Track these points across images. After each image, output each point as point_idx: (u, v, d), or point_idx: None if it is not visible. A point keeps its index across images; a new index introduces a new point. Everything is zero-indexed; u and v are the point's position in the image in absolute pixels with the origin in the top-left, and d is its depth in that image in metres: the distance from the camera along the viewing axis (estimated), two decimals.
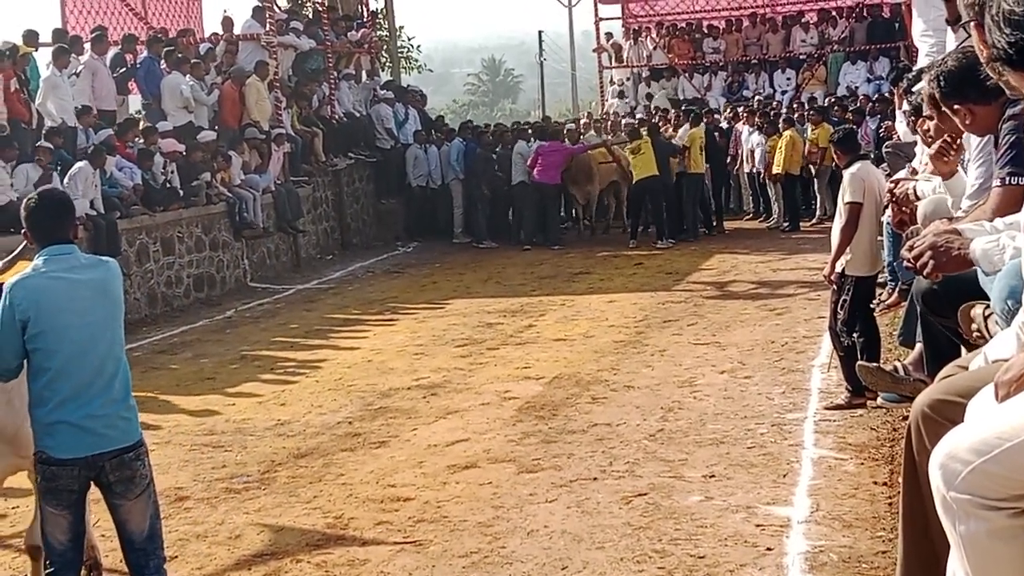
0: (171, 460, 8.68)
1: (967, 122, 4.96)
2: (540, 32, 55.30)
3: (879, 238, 9.26)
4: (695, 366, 10.71)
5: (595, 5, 30.86)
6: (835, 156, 9.16)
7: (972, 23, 3.74)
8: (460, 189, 22.07)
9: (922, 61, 8.35)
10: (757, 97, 25.97)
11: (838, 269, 8.77)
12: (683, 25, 29.98)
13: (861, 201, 8.65)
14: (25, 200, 5.07)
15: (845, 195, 8.79)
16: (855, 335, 8.70)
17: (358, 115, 23.28)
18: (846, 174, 8.85)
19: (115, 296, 4.98)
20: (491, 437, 8.73)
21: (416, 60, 35.88)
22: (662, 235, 20.05)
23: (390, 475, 7.92)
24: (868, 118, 21.10)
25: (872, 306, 9.19)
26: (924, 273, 3.94)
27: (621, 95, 29.36)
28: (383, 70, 27.12)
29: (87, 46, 17.83)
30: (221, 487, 7.97)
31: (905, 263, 4.05)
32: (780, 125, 21.22)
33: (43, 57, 17.24)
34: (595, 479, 7.50)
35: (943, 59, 5.03)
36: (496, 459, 8.13)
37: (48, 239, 4.92)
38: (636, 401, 9.53)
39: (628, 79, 30.07)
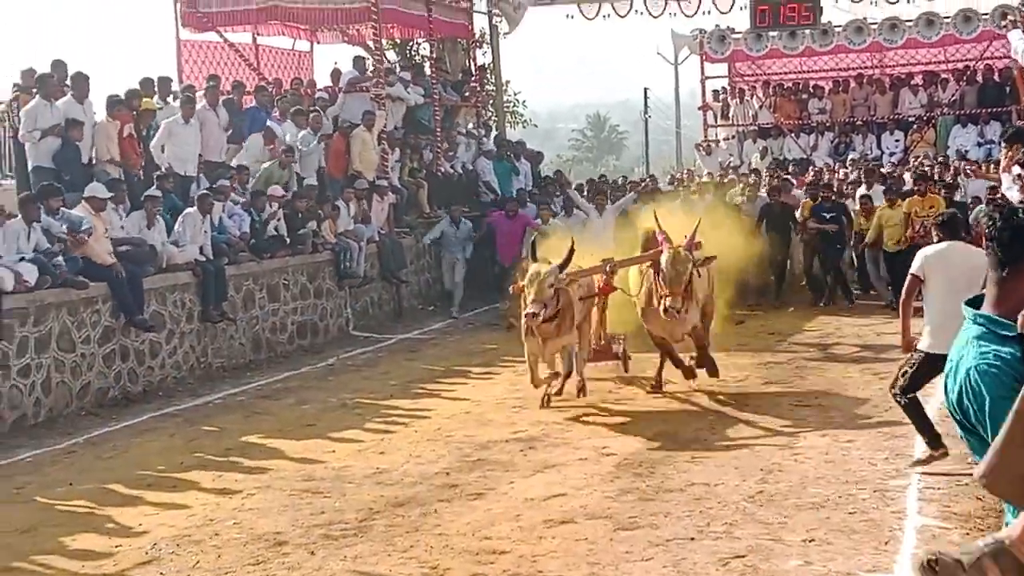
0: (271, 504, 8.79)
1: None
2: (646, 89, 55.41)
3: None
4: (796, 428, 10.59)
5: (701, 64, 30.89)
6: (936, 237, 9.31)
7: None
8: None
9: None
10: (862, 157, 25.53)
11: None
12: (789, 85, 29.89)
13: (919, 275, 8.89)
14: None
15: None
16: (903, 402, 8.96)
17: (464, 169, 23.49)
18: None
19: None
20: (588, 493, 8.70)
21: (522, 115, 36.15)
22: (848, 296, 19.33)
23: (486, 527, 7.93)
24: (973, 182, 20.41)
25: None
26: None
27: (708, 151, 28.94)
28: (490, 125, 27.35)
29: (199, 95, 18.24)
30: (319, 533, 8.04)
31: None
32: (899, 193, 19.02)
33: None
34: (692, 539, 7.44)
35: None
36: (593, 515, 8.11)
37: None
38: (735, 461, 9.45)
39: (732, 137, 29.87)
